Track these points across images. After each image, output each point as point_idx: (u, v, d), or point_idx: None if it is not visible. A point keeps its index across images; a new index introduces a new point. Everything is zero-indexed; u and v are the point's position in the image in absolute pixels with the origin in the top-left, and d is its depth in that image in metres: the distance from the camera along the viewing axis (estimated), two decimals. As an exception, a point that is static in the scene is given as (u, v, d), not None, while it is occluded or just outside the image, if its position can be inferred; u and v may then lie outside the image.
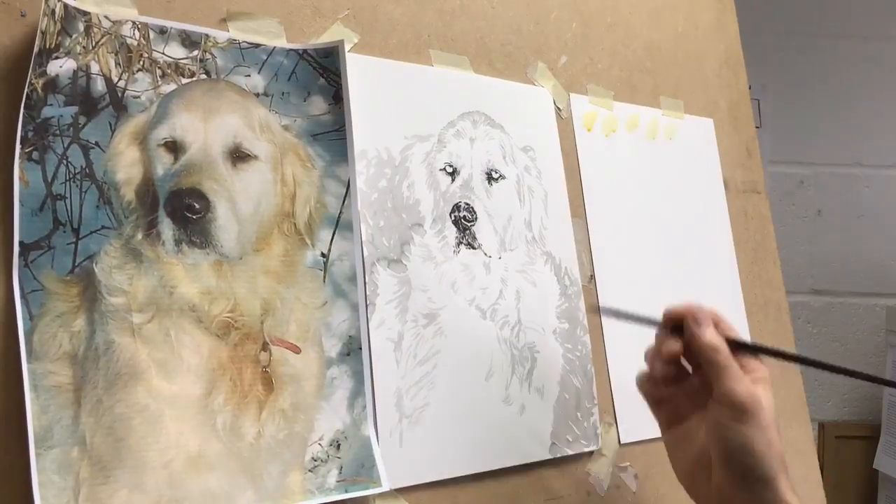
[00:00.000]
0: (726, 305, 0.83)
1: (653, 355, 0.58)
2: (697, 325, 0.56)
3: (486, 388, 0.61)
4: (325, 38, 0.58)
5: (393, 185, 0.59)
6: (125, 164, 0.49)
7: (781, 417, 0.83)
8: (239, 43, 0.54)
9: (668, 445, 0.59)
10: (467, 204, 0.63)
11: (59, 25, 0.47)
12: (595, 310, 0.70)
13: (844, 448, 1.91)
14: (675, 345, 0.57)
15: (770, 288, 0.89)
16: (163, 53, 0.51)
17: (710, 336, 0.55)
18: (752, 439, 0.54)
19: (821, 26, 1.91)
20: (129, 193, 0.49)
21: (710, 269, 0.82)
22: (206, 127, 0.51)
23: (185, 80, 0.51)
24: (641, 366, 0.72)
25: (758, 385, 0.55)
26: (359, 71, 0.58)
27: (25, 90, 0.45)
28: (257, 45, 0.54)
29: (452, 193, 0.63)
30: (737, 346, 0.57)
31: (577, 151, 0.72)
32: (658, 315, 0.59)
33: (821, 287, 1.93)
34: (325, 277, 0.55)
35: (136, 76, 0.50)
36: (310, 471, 0.51)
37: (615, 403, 0.70)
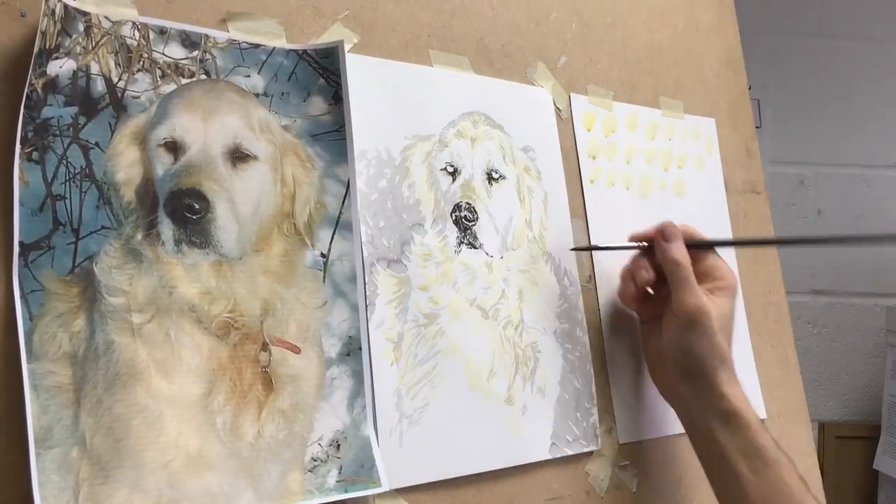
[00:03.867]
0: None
1: (625, 274, 0.68)
2: (665, 240, 0.64)
3: (487, 388, 0.61)
4: (325, 39, 0.58)
5: (393, 186, 0.59)
6: (125, 164, 0.49)
7: (781, 417, 0.84)
8: (239, 43, 0.54)
9: (642, 335, 0.70)
10: (468, 204, 0.63)
11: (59, 26, 0.47)
12: (594, 310, 0.70)
13: (844, 448, 1.91)
14: (646, 274, 0.66)
15: (770, 288, 0.89)
16: (163, 54, 0.51)
17: (672, 252, 0.64)
18: (696, 344, 0.62)
19: (821, 26, 1.91)
20: (128, 194, 0.49)
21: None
22: (206, 127, 0.51)
23: (184, 81, 0.51)
24: (641, 367, 0.72)
25: (715, 294, 0.64)
26: (359, 71, 0.58)
27: (25, 90, 0.45)
28: (257, 46, 0.54)
29: (453, 193, 0.63)
30: (700, 247, 0.66)
31: (577, 152, 0.72)
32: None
33: (821, 287, 1.93)
34: (324, 278, 0.55)
35: (135, 76, 0.50)
36: (309, 471, 0.52)
37: (614, 404, 0.70)
